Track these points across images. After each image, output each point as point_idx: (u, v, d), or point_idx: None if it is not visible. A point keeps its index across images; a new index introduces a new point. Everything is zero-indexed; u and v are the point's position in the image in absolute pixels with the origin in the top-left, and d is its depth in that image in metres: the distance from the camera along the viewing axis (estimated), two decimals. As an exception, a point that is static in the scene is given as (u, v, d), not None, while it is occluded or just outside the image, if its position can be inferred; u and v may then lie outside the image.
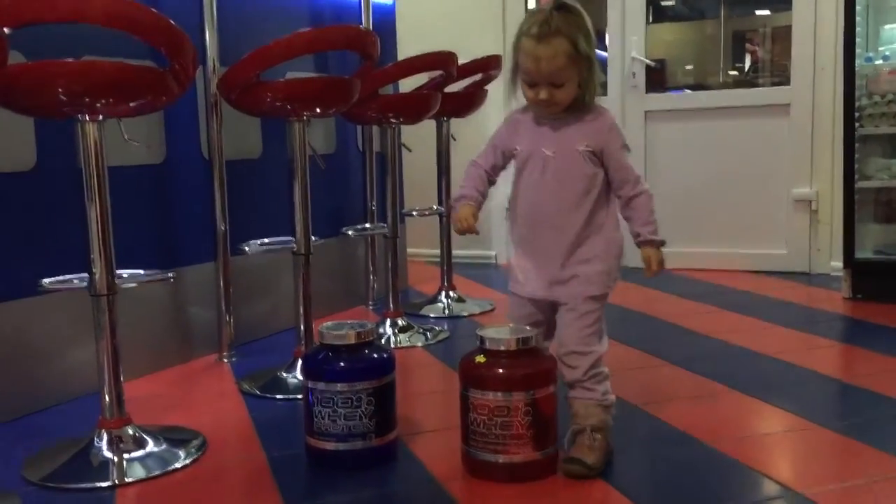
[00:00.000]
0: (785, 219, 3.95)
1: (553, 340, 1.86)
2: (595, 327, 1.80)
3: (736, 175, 4.01)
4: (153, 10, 1.78)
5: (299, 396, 2.20)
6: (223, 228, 2.71)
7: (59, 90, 1.71)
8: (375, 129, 3.46)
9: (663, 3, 4.96)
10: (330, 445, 1.79)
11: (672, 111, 4.15)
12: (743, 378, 2.36)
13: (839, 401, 2.27)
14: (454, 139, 3.47)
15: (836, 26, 3.67)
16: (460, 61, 3.02)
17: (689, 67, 5.01)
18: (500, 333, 1.73)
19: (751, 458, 1.81)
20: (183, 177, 2.67)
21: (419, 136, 3.58)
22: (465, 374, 1.74)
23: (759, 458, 1.82)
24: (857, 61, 3.32)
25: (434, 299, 3.44)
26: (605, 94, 4.13)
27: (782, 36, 4.27)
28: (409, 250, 3.89)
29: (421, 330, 2.99)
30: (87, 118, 1.81)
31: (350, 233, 3.18)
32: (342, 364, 1.81)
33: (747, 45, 4.92)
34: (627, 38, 4.16)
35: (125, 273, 1.99)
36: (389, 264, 3.06)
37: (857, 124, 3.34)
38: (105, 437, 1.88)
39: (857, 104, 3.33)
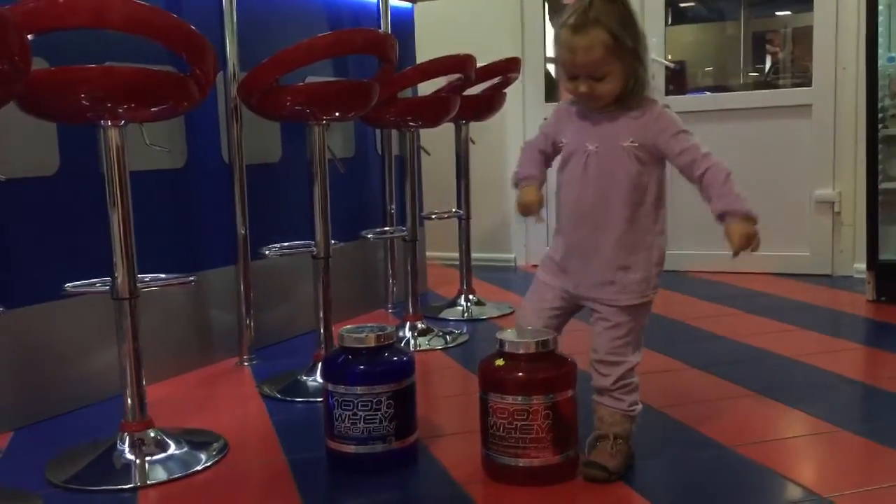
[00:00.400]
0: (807, 221, 3.92)
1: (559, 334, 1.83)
2: (628, 338, 1.74)
3: (757, 177, 3.97)
4: (174, 15, 1.79)
5: (319, 400, 2.21)
6: (243, 232, 2.73)
7: (82, 96, 1.73)
8: (394, 132, 3.47)
9: (683, 5, 4.93)
10: (350, 448, 1.79)
11: (692, 113, 4.11)
12: (765, 381, 2.34)
13: (863, 404, 2.24)
14: (473, 142, 3.47)
15: (857, 26, 3.63)
16: (479, 64, 3.01)
17: (708, 69, 4.98)
18: (519, 336, 1.72)
19: (774, 462, 1.79)
20: (203, 181, 2.69)
21: (438, 140, 3.58)
22: (484, 378, 1.73)
23: (782, 461, 1.81)
24: (880, 61, 3.28)
25: (453, 302, 3.44)
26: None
27: (803, 36, 4.23)
28: (429, 253, 3.89)
29: (440, 333, 2.98)
30: (110, 123, 1.82)
31: (369, 236, 3.19)
32: (362, 367, 1.80)
33: (767, 47, 4.89)
34: (647, 40, 4.14)
35: (147, 277, 2.01)
36: (409, 267, 3.06)
37: (879, 125, 3.30)
38: (127, 439, 1.89)
39: (879, 105, 3.29)
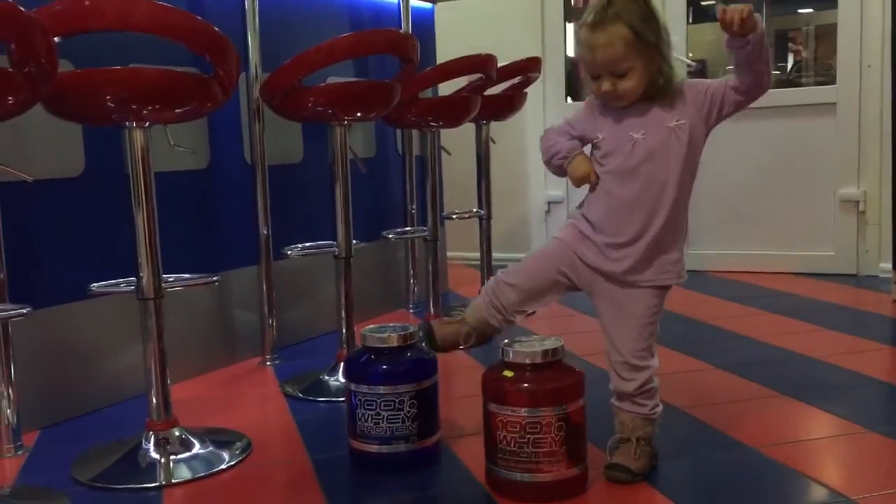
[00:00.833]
0: (832, 220, 3.88)
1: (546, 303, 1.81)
2: (652, 340, 1.73)
3: (781, 176, 3.95)
4: (197, 17, 1.80)
5: (341, 399, 2.22)
6: (266, 233, 2.74)
7: (108, 97, 1.74)
8: (415, 132, 3.47)
9: (704, 4, 4.90)
10: (373, 448, 1.80)
11: (714, 112, 4.09)
12: (790, 382, 2.32)
13: (889, 404, 2.21)
14: (494, 142, 3.46)
15: (882, 23, 3.60)
16: (499, 64, 3.01)
17: (729, 68, 4.93)
18: (525, 347, 1.65)
19: (799, 463, 1.77)
20: (226, 182, 2.70)
21: (459, 140, 3.58)
22: (490, 390, 1.66)
23: (807, 462, 1.79)
24: (906, 58, 3.26)
25: (474, 302, 3.43)
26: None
27: (826, 34, 4.19)
28: (449, 253, 3.89)
29: (462, 333, 2.97)
30: (135, 125, 1.84)
31: (390, 236, 3.19)
32: (385, 367, 1.81)
33: (790, 45, 4.85)
34: (668, 39, 4.12)
35: (171, 277, 2.03)
36: (430, 267, 3.06)
37: (905, 123, 3.27)
38: (152, 438, 1.91)
39: (905, 102, 3.26)
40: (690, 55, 4.18)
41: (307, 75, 2.26)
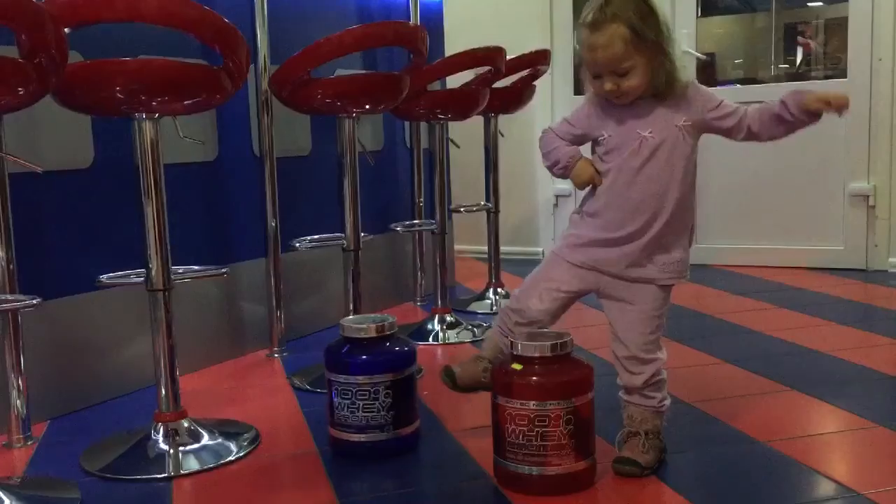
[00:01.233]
0: (841, 214, 3.87)
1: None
2: (658, 333, 1.73)
3: (790, 170, 3.93)
4: (207, 8, 1.80)
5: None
6: (274, 225, 2.74)
7: (117, 89, 1.75)
8: (423, 125, 3.47)
9: (713, -4, 4.88)
10: (350, 436, 1.83)
11: (723, 105, 4.08)
12: (799, 376, 2.31)
13: (899, 400, 2.21)
14: (502, 135, 3.46)
15: (894, 16, 3.58)
16: (508, 57, 3.00)
17: (738, 61, 4.92)
18: (535, 339, 1.65)
19: (808, 458, 1.77)
20: (235, 174, 2.71)
21: (467, 132, 3.57)
22: (500, 383, 1.66)
23: (816, 457, 1.79)
24: (917, 52, 3.24)
25: (482, 296, 3.44)
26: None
27: (836, 28, 4.17)
28: (457, 247, 3.89)
29: (469, 326, 2.98)
30: (144, 116, 1.84)
31: (398, 229, 3.19)
32: (361, 357, 1.84)
33: (799, 38, 4.82)
34: (677, 32, 4.10)
35: (180, 269, 2.03)
36: (437, 260, 3.06)
37: (916, 117, 3.25)
38: (161, 429, 1.92)
39: (916, 96, 3.25)
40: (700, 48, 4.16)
41: (316, 67, 2.26)
